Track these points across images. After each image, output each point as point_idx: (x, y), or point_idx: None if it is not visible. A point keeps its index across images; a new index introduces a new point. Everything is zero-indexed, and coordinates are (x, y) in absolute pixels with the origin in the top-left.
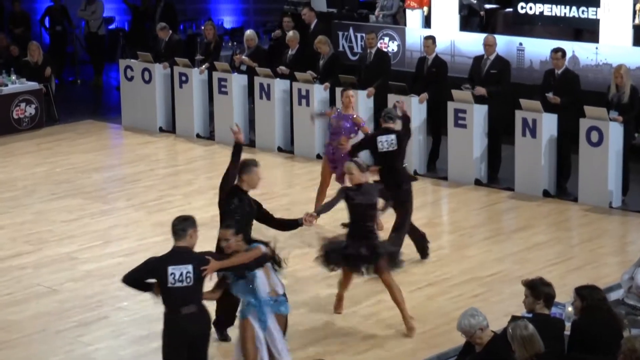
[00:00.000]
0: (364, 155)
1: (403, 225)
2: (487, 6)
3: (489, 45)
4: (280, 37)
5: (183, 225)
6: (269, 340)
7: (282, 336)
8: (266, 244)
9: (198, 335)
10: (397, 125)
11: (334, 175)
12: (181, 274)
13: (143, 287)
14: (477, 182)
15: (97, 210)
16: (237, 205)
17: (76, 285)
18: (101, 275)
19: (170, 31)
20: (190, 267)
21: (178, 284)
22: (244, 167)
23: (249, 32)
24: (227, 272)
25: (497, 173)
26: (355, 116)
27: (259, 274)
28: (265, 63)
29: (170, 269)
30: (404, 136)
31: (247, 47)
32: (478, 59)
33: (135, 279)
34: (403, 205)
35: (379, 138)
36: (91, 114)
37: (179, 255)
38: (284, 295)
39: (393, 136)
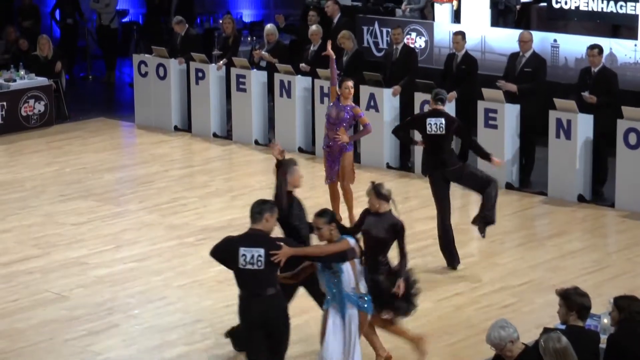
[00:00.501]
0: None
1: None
2: (522, 0)
3: (524, 42)
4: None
5: (260, 208)
6: (346, 335)
7: (357, 335)
8: (357, 239)
9: (269, 319)
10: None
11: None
12: (252, 257)
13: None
14: (509, 186)
15: (109, 212)
16: (296, 208)
17: (86, 291)
18: (112, 281)
19: (187, 25)
20: (262, 251)
21: (249, 267)
22: (285, 169)
23: (269, 27)
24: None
25: (529, 176)
26: (354, 107)
27: (346, 267)
28: (286, 59)
29: (242, 251)
30: (452, 121)
31: (267, 42)
32: (513, 56)
33: (214, 255)
34: (460, 179)
35: (429, 120)
36: (103, 112)
37: (252, 237)
38: (368, 295)
39: (442, 120)
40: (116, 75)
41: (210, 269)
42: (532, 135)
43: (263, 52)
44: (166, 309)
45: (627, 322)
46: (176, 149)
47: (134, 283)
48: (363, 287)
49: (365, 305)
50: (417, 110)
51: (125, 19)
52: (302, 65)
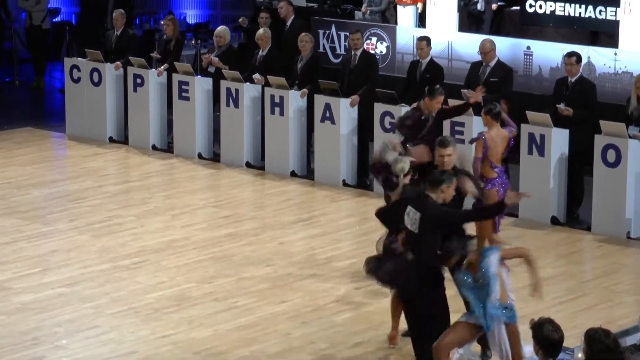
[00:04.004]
0: None
1: None
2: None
3: (485, 53)
4: (251, 30)
5: (440, 178)
6: (501, 349)
7: (508, 349)
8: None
9: (410, 286)
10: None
11: None
12: (412, 218)
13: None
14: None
15: (35, 232)
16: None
17: (8, 319)
18: (38, 308)
19: (124, 25)
20: (418, 216)
21: (408, 226)
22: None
23: (220, 29)
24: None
25: None
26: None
27: (494, 278)
28: (237, 65)
29: (409, 208)
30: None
31: (217, 45)
32: (476, 66)
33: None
34: None
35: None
36: (31, 121)
37: (421, 199)
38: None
39: None
40: (46, 80)
41: (146, 295)
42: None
43: (212, 57)
44: (98, 339)
45: (596, 357)
46: (111, 163)
47: (62, 310)
48: (512, 294)
49: (513, 316)
50: (376, 122)
51: (57, 19)
52: (256, 76)
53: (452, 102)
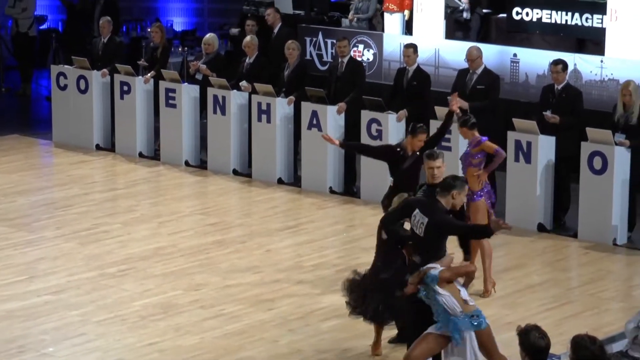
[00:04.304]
0: None
1: None
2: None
3: (472, 60)
4: (239, 38)
5: (451, 183)
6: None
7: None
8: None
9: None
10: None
11: None
12: (418, 221)
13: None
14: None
15: (22, 240)
16: None
17: None
18: (24, 316)
19: (111, 32)
20: (425, 220)
21: (414, 228)
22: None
23: (208, 36)
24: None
25: None
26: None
27: (441, 297)
28: (224, 73)
29: (416, 211)
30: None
31: (205, 53)
32: (463, 73)
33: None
34: None
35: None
36: (17, 128)
37: (428, 204)
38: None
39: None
40: (32, 87)
41: (133, 302)
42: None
43: (200, 65)
44: (84, 347)
45: None
46: (98, 170)
47: (48, 318)
48: (470, 301)
49: (479, 322)
50: (363, 130)
51: (43, 26)
52: (243, 83)
53: (439, 110)
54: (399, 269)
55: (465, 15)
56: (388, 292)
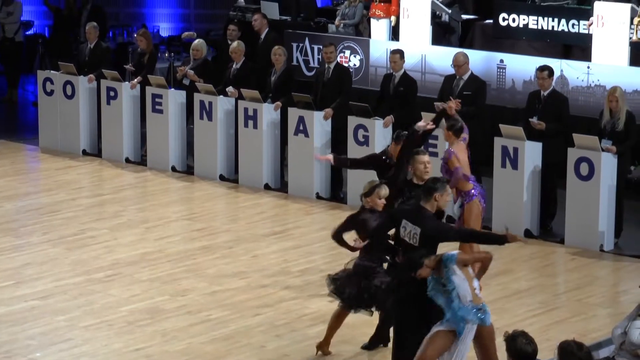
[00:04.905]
0: None
1: None
2: (464, 17)
3: (458, 66)
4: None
5: (432, 186)
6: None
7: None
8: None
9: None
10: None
11: None
12: (409, 232)
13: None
14: (449, 220)
15: (8, 245)
16: None
17: None
18: (11, 321)
19: (97, 38)
20: (418, 231)
21: (406, 239)
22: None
23: (196, 42)
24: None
25: None
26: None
27: (459, 281)
28: (211, 79)
29: (404, 222)
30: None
31: (193, 58)
32: (449, 79)
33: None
34: None
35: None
36: (3, 134)
37: (415, 213)
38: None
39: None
40: (19, 93)
41: (120, 308)
42: (475, 165)
43: (188, 70)
44: (71, 352)
45: None
46: (84, 176)
47: (35, 323)
48: (479, 294)
49: (486, 318)
50: (350, 135)
51: (30, 32)
52: (230, 89)
53: (425, 115)
54: (382, 259)
55: (444, 18)
56: (369, 278)
